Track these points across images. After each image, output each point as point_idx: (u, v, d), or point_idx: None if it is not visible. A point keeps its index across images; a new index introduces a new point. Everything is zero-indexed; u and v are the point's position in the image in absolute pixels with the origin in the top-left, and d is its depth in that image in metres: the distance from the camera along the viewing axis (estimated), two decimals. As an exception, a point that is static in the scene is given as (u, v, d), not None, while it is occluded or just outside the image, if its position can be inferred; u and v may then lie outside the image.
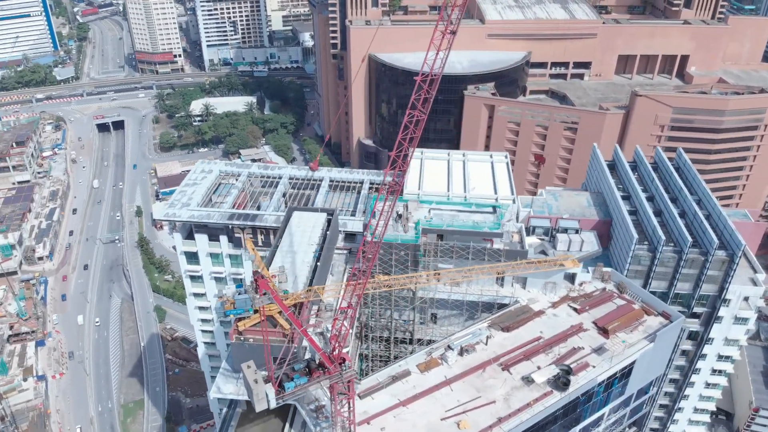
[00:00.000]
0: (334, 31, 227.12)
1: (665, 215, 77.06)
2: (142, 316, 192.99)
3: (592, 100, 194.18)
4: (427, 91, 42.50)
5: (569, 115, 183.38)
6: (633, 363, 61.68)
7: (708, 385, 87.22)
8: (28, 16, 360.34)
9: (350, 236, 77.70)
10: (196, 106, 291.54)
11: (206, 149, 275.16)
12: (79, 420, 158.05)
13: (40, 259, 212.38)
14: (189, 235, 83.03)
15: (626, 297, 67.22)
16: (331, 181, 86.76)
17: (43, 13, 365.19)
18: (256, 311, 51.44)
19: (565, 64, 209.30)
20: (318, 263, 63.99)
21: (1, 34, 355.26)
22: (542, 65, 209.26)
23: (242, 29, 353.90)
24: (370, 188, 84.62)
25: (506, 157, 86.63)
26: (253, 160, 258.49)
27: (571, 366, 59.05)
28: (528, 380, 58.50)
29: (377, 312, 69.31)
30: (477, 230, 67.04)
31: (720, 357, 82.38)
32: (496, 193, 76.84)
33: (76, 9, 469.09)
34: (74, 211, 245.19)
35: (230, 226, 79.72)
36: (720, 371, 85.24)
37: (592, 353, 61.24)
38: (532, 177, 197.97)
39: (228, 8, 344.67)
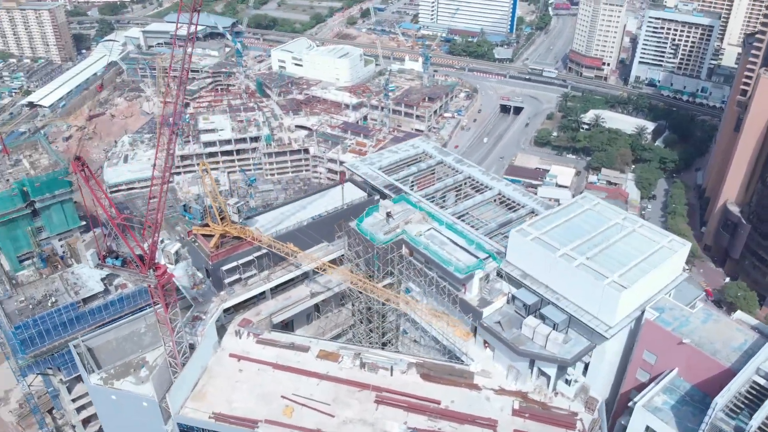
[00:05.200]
0: (749, 76, 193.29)
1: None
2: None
3: None
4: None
5: None
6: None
7: None
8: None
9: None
10: (589, 115, 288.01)
11: (574, 156, 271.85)
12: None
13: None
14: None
15: (587, 437, 47.93)
16: (499, 193, 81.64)
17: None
18: (205, 224, 65.55)
19: None
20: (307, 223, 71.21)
21: (467, 7, 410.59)
22: None
23: (682, 54, 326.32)
24: (528, 214, 76.29)
25: (684, 244, 64.22)
26: (609, 183, 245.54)
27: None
28: (380, 424, 51.12)
29: (353, 302, 67.84)
30: (442, 264, 59.66)
31: None
32: (613, 272, 58.49)
33: (551, 0, 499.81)
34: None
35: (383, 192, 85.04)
36: None
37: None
38: None
39: (676, 30, 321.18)
